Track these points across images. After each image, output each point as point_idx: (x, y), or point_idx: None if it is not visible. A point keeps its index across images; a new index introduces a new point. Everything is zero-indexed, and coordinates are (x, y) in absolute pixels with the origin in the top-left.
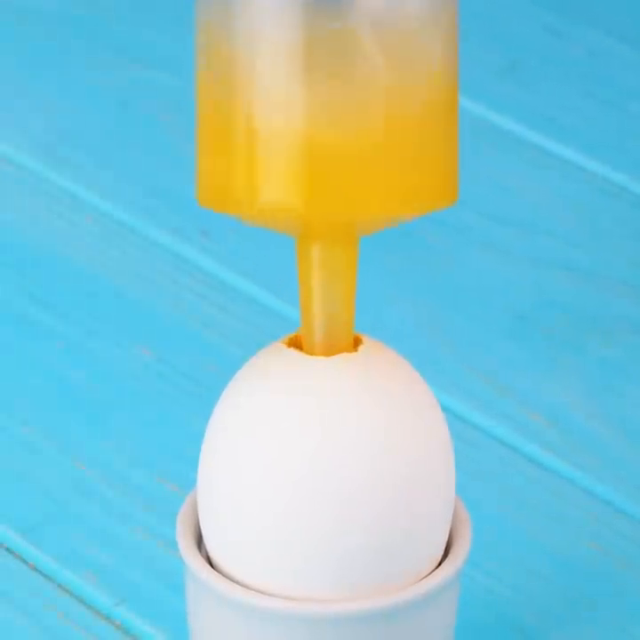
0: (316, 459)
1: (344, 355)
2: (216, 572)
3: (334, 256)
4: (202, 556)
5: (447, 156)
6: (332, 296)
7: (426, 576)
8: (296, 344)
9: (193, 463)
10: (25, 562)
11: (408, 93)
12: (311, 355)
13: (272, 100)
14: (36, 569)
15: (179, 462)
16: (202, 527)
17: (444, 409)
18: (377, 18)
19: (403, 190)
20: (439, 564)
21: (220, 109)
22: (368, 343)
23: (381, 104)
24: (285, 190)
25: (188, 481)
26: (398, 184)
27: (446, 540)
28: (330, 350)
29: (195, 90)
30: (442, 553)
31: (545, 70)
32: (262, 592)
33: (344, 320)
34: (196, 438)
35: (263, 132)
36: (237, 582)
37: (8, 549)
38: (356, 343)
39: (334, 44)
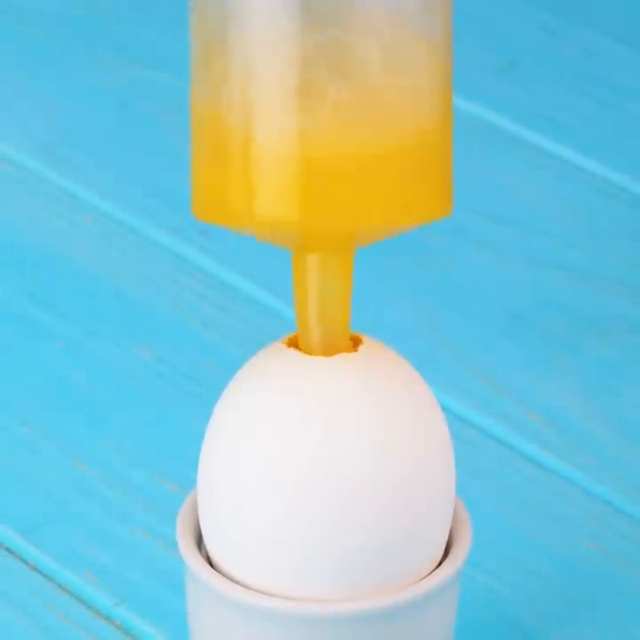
0: (316, 459)
1: (344, 355)
2: (216, 572)
3: (331, 265)
4: (202, 556)
5: (443, 165)
6: (328, 302)
7: (426, 576)
8: (296, 344)
9: (193, 463)
10: (25, 562)
11: (406, 106)
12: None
13: (269, 114)
14: (35, 569)
15: (179, 462)
16: (202, 527)
17: (442, 408)
18: (376, 28)
19: (401, 202)
20: (439, 564)
21: (215, 123)
22: (368, 343)
23: (380, 117)
24: (283, 204)
25: (187, 481)
26: (397, 196)
27: (446, 539)
28: (327, 351)
29: (189, 103)
30: (442, 553)
31: (541, 70)
32: (262, 592)
33: (340, 322)
34: (196, 438)
35: (259, 145)
36: (237, 582)
37: (8, 549)
38: (356, 343)
39: (332, 55)
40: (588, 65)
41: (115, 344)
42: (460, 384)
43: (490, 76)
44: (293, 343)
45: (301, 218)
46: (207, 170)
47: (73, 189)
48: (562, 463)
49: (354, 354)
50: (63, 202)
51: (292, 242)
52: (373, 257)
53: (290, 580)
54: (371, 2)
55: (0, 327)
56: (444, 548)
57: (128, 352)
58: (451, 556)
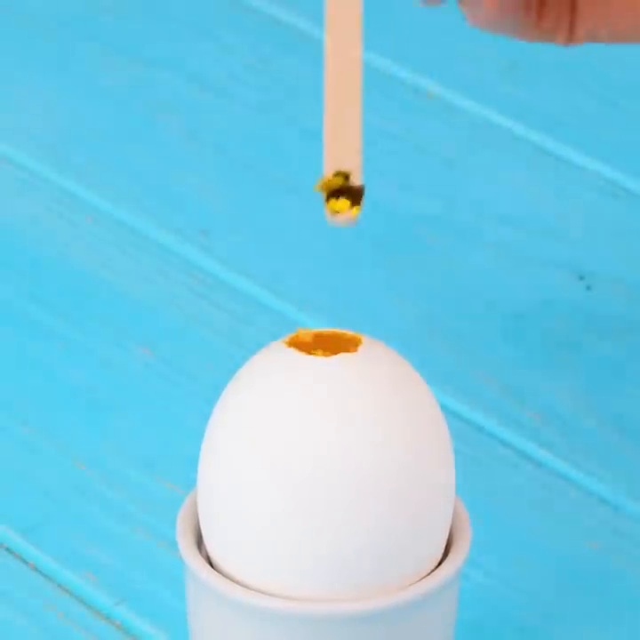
0: (316, 459)
1: (344, 355)
2: (216, 572)
3: None
4: (202, 556)
5: None
6: None
7: (426, 576)
8: (296, 344)
9: (193, 463)
10: (25, 562)
11: None
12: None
13: None
14: (36, 569)
15: (179, 462)
16: (202, 527)
17: (443, 408)
18: None
19: None
20: (439, 564)
21: None
22: (368, 343)
23: None
24: None
25: (187, 481)
26: None
27: (446, 539)
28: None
29: None
30: (442, 553)
31: (545, 69)
32: (262, 592)
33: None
34: (196, 438)
35: None
36: (237, 582)
37: (8, 549)
38: (356, 343)
39: None
40: (592, 64)
41: (115, 344)
42: (460, 384)
43: (493, 75)
44: (293, 343)
45: None
46: None
47: (73, 189)
48: (562, 462)
49: (354, 354)
50: (63, 202)
51: None
52: (373, 257)
53: (290, 580)
54: None
55: (0, 327)
56: (443, 547)
57: (128, 352)
58: (451, 555)
